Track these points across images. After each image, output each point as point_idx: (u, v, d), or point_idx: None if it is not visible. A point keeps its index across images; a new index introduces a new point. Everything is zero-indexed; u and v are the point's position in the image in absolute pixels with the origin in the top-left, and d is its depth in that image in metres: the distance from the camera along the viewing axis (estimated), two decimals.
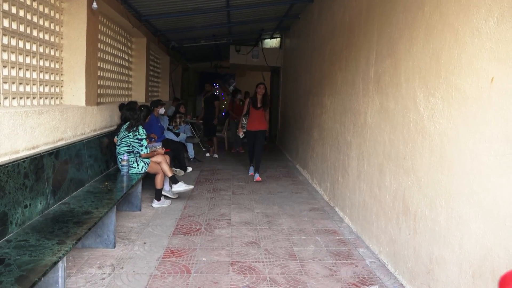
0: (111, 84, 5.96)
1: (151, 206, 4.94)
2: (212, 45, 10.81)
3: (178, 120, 8.31)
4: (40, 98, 3.81)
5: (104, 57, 5.52)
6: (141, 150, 4.76)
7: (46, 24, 3.90)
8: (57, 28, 4.16)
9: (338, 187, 5.04)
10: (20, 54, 3.44)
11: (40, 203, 3.12)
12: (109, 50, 5.75)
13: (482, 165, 2.25)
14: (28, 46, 3.56)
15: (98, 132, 4.81)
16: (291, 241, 3.99)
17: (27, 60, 3.56)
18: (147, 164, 4.80)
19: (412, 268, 3.01)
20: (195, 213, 4.79)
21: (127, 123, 4.79)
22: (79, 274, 3.09)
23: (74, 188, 3.82)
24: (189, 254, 3.56)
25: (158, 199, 4.95)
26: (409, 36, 3.20)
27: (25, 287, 2.02)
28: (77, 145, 4.00)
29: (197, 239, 3.93)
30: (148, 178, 5.17)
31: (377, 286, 3.12)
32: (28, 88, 3.59)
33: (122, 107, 5.23)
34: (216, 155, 9.06)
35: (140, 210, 4.75)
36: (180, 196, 5.36)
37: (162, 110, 6.70)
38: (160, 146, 5.53)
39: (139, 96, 7.40)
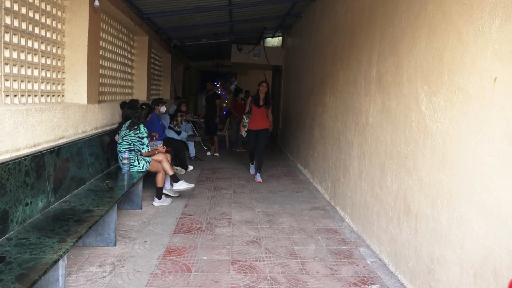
0: (113, 82, 5.95)
1: (152, 204, 4.94)
2: (213, 43, 10.80)
3: (179, 118, 8.31)
4: (42, 96, 3.81)
5: (106, 55, 5.52)
6: (142, 148, 4.75)
7: (48, 21, 3.90)
8: (59, 26, 4.15)
9: (339, 187, 5.03)
10: (22, 51, 3.44)
11: (41, 201, 3.12)
12: (110, 48, 5.74)
13: (484, 165, 2.24)
14: (30, 43, 3.56)
15: (100, 130, 4.81)
16: (292, 240, 3.99)
17: (29, 57, 3.56)
18: (148, 162, 4.80)
19: (413, 268, 3.00)
20: (196, 211, 4.79)
21: (129, 121, 4.79)
22: (79, 272, 3.09)
23: (75, 186, 3.82)
24: (189, 253, 3.56)
25: (159, 198, 4.95)
26: (412, 35, 3.18)
27: (25, 285, 2.02)
28: (78, 143, 3.99)
29: (198, 238, 3.93)
30: (149, 177, 5.17)
31: (377, 285, 3.11)
32: (29, 86, 3.59)
33: (123, 105, 5.23)
34: (217, 154, 9.06)
35: (141, 208, 4.75)
36: (181, 194, 5.36)
37: (163, 109, 6.70)
38: (161, 145, 5.52)
39: (140, 94, 7.40)
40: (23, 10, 3.43)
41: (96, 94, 4.72)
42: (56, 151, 3.46)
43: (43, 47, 3.80)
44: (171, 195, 5.24)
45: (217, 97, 9.37)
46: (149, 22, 7.12)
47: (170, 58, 10.08)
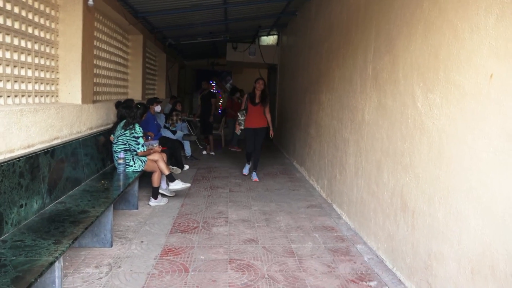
0: (107, 82, 5.91)
1: (148, 204, 4.92)
2: (208, 42, 10.76)
3: (174, 117, 8.27)
4: (36, 96, 3.78)
5: (100, 54, 5.48)
6: (138, 148, 4.73)
7: (41, 21, 3.86)
8: (53, 25, 4.11)
9: (336, 184, 5.03)
10: (15, 51, 3.40)
11: (36, 203, 3.09)
12: (105, 48, 5.70)
13: (481, 162, 2.25)
14: (23, 43, 3.52)
15: (95, 130, 4.77)
16: (289, 238, 3.98)
17: (22, 57, 3.52)
18: (144, 162, 4.77)
19: (410, 264, 3.01)
20: (193, 211, 4.77)
21: (124, 121, 4.76)
22: (76, 274, 3.07)
23: (70, 187, 3.79)
24: (186, 253, 3.54)
25: (155, 197, 4.92)
26: (408, 32, 3.18)
27: None
28: (73, 143, 3.96)
29: (195, 237, 3.92)
30: (145, 177, 5.14)
31: (375, 282, 3.12)
32: (23, 86, 3.55)
33: (118, 105, 5.19)
34: (213, 153, 9.04)
35: (137, 208, 4.73)
36: (177, 194, 5.34)
37: (158, 108, 6.67)
38: (157, 144, 5.50)
39: (135, 94, 7.36)
40: (16, 10, 3.40)
41: (90, 94, 4.68)
42: (50, 152, 3.43)
43: (36, 46, 3.77)
44: (167, 194, 5.21)
45: (213, 96, 9.35)
46: (143, 21, 7.08)
47: (165, 57, 10.03)
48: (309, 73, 7.00)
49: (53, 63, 4.15)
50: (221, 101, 15.97)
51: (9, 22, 3.29)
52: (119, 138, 4.69)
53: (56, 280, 2.46)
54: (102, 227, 3.54)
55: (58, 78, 4.26)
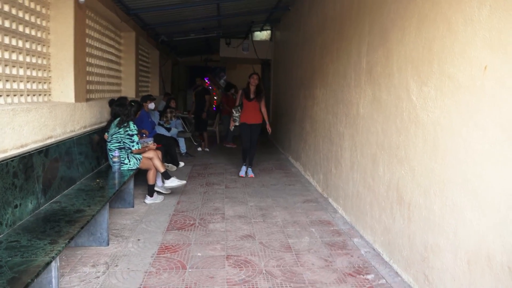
0: (100, 80, 5.87)
1: (144, 202, 4.90)
2: (202, 38, 10.70)
3: (169, 115, 8.24)
4: (28, 95, 3.74)
5: (93, 52, 5.43)
6: (133, 146, 4.70)
7: (32, 19, 3.81)
8: (44, 23, 4.07)
9: (331, 178, 5.04)
10: (6, 50, 3.36)
11: (31, 203, 3.07)
12: (97, 45, 5.65)
13: (476, 153, 2.26)
14: (14, 41, 3.47)
15: (88, 128, 4.74)
16: (286, 233, 3.99)
17: (13, 56, 3.48)
18: (139, 160, 4.75)
19: (407, 257, 3.02)
20: (189, 208, 4.76)
21: (118, 119, 4.73)
22: (72, 273, 3.05)
23: (65, 186, 3.76)
24: (184, 250, 3.54)
25: (151, 195, 4.91)
26: (401, 25, 3.18)
27: None
28: (67, 142, 3.93)
29: (192, 234, 3.91)
30: (140, 174, 5.12)
31: (372, 275, 3.13)
32: (15, 85, 3.51)
33: (112, 102, 5.16)
34: (207, 149, 9.03)
35: (133, 206, 4.71)
36: (173, 191, 5.33)
37: (151, 105, 6.63)
38: (152, 142, 5.47)
39: (129, 91, 7.31)
40: (6, 8, 3.35)
41: (83, 92, 4.64)
42: (44, 151, 3.40)
43: (27, 45, 3.72)
44: (163, 192, 5.20)
45: (207, 93, 9.32)
46: (135, 18, 7.02)
47: (158, 54, 9.97)
48: (303, 68, 6.99)
49: (45, 62, 4.11)
50: (215, 98, 15.91)
51: None
52: (113, 136, 4.66)
53: (53, 280, 2.45)
54: (98, 226, 3.52)
55: (50, 76, 4.22)
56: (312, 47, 6.33)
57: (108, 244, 3.57)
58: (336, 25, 5.00)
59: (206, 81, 15.80)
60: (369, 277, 3.11)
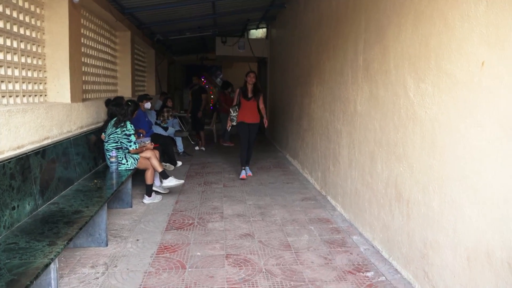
0: (96, 80, 5.84)
1: (142, 202, 4.88)
2: (197, 37, 10.67)
3: (165, 114, 8.22)
4: (24, 96, 3.71)
5: (88, 52, 5.40)
6: (130, 146, 4.68)
7: (27, 19, 3.78)
8: (38, 23, 4.04)
9: (330, 176, 5.05)
10: (1, 51, 3.33)
11: (28, 204, 3.05)
12: (93, 45, 5.62)
13: (474, 150, 2.26)
14: (8, 42, 3.45)
15: (85, 129, 4.71)
16: (285, 231, 3.99)
17: (8, 57, 3.45)
18: (137, 160, 4.73)
19: (406, 254, 3.03)
20: (187, 207, 4.75)
21: (114, 119, 4.71)
22: (72, 274, 3.04)
23: (63, 187, 3.74)
24: (183, 249, 3.53)
25: (149, 195, 4.89)
26: (398, 22, 3.18)
27: None
28: (63, 143, 3.91)
29: (191, 234, 3.90)
30: (138, 174, 5.10)
31: (372, 272, 3.14)
32: (10, 86, 3.48)
33: (108, 102, 5.13)
34: (203, 148, 9.01)
35: (131, 206, 4.70)
36: (171, 191, 5.31)
37: (147, 105, 6.60)
38: (149, 141, 5.45)
39: (125, 91, 7.28)
40: (0, 8, 3.32)
41: (80, 93, 4.62)
42: (41, 152, 3.38)
43: (22, 45, 3.69)
44: (161, 191, 5.19)
45: (203, 91, 9.29)
46: (130, 17, 6.99)
47: (153, 53, 9.94)
48: (299, 65, 6.98)
49: (40, 62, 4.08)
50: (212, 96, 15.88)
51: None
52: (111, 136, 4.64)
53: (52, 282, 2.44)
54: (97, 227, 3.51)
55: (46, 77, 4.19)
56: (308, 45, 6.32)
57: (107, 245, 3.55)
58: (332, 22, 5.00)
59: (203, 79, 15.79)
60: (369, 274, 3.11)
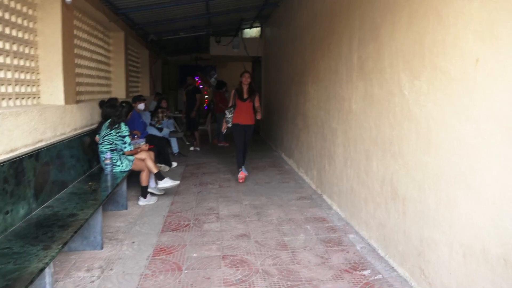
0: (90, 81, 5.80)
1: (138, 204, 4.86)
2: (191, 37, 10.64)
3: (160, 115, 8.19)
4: (17, 98, 3.67)
5: (81, 53, 5.36)
6: (125, 147, 4.65)
7: (19, 20, 3.74)
8: (31, 25, 4.00)
9: (325, 175, 5.05)
10: None
11: (22, 208, 3.02)
12: (86, 46, 5.58)
13: (469, 146, 2.26)
14: (0, 44, 3.41)
15: (79, 131, 4.67)
16: (281, 231, 3.98)
17: (0, 59, 3.41)
18: (131, 161, 4.71)
19: (402, 251, 3.03)
20: (183, 208, 4.73)
21: (109, 121, 4.68)
22: (67, 278, 3.01)
23: (57, 191, 3.71)
24: (179, 251, 3.51)
25: (144, 197, 4.87)
26: (392, 20, 3.18)
27: None
28: (57, 145, 3.88)
29: (187, 235, 3.89)
30: (133, 176, 5.07)
31: (369, 270, 3.14)
32: (3, 89, 3.45)
33: (102, 104, 5.10)
34: (198, 149, 8.98)
35: (127, 209, 4.67)
36: (167, 192, 5.29)
37: (141, 106, 6.57)
38: (144, 143, 5.42)
39: (119, 92, 7.24)
40: None
41: (73, 94, 4.58)
42: (35, 155, 3.35)
43: (15, 47, 3.65)
44: (157, 193, 5.16)
45: (197, 92, 9.27)
46: (124, 18, 6.94)
47: (147, 53, 9.89)
48: (294, 64, 6.97)
49: (33, 64, 4.04)
50: (206, 96, 15.84)
51: None
52: (105, 138, 4.61)
53: (47, 286, 2.41)
54: (92, 230, 3.48)
55: (39, 79, 4.15)
56: (302, 43, 6.32)
57: (102, 248, 3.53)
58: (326, 20, 4.99)
59: (197, 80, 15.74)
60: (365, 272, 3.11)
